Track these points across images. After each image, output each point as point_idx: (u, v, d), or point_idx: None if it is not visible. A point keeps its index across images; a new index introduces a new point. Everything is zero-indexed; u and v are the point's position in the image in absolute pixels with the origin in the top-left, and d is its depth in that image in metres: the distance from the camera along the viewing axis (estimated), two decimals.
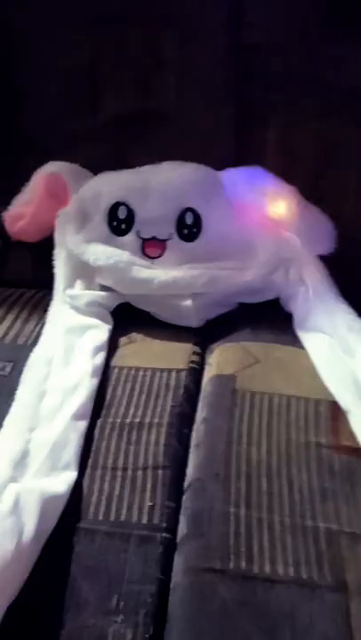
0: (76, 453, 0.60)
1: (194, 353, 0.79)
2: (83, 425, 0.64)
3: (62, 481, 0.57)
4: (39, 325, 0.82)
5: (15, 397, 0.66)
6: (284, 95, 0.84)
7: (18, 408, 0.64)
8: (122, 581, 0.51)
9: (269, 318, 0.83)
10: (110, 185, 0.81)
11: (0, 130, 0.87)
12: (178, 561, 0.53)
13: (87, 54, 0.84)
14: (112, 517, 0.56)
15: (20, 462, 0.57)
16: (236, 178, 0.81)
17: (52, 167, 0.83)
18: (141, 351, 0.78)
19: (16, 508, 0.50)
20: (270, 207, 0.81)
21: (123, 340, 0.81)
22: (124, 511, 0.56)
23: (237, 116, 0.85)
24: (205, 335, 0.83)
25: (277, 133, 0.86)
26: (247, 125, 0.86)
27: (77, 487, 0.58)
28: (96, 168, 0.85)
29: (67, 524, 0.54)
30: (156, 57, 0.84)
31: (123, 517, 0.56)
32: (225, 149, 0.85)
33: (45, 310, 0.84)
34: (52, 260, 0.85)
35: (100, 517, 0.56)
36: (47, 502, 0.53)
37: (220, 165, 0.84)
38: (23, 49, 0.85)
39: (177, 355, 0.78)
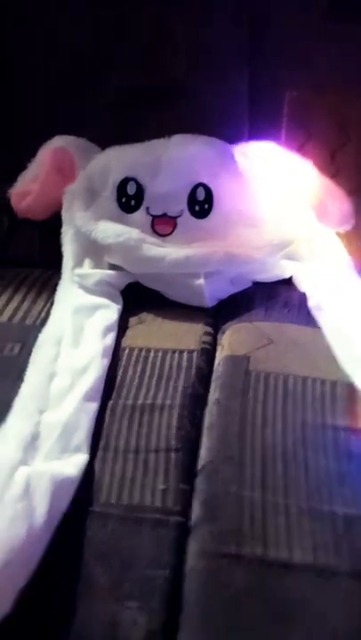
0: (87, 436, 0.59)
1: (205, 333, 0.77)
2: (93, 407, 0.62)
3: (73, 464, 0.56)
4: (48, 305, 0.80)
5: (24, 378, 0.65)
6: (298, 68, 0.81)
7: (27, 389, 0.62)
8: (135, 566, 0.50)
9: (283, 297, 0.81)
10: (119, 160, 0.78)
11: (3, 109, 0.85)
12: (192, 545, 0.52)
13: (90, 29, 0.80)
14: (125, 501, 0.55)
15: (31, 445, 0.56)
16: (248, 152, 0.78)
17: (58, 142, 0.80)
18: (152, 332, 0.77)
19: (27, 491, 0.49)
20: (284, 182, 0.78)
21: (133, 320, 0.79)
22: (136, 494, 0.55)
23: (250, 89, 0.82)
24: (217, 315, 0.81)
25: (292, 107, 0.83)
26: (260, 99, 0.83)
27: (89, 470, 0.57)
28: (104, 145, 0.82)
29: (78, 507, 0.53)
30: (164, 30, 0.81)
31: (135, 501, 0.55)
32: (238, 123, 0.83)
33: (54, 290, 0.82)
34: (60, 239, 0.83)
35: (113, 501, 0.55)
36: (58, 486, 0.52)
37: (233, 140, 0.81)
38: (24, 26, 0.82)
39: (188, 335, 0.76)
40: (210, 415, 0.65)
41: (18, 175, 0.85)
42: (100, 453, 0.59)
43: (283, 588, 0.47)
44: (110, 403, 0.65)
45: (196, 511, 0.55)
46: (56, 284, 0.82)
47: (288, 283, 0.83)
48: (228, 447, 0.59)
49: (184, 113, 0.81)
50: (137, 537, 0.52)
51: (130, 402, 0.65)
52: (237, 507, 0.53)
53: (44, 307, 0.81)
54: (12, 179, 0.86)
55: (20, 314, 0.80)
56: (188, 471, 0.59)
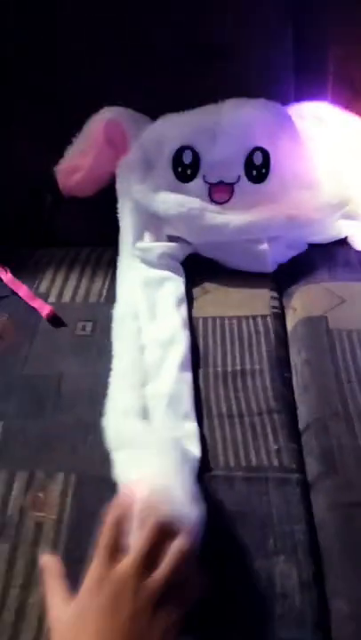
0: (191, 404, 0.59)
1: (273, 298, 0.77)
2: (189, 376, 0.63)
3: (186, 432, 0.56)
4: (107, 282, 0.80)
5: (114, 354, 0.64)
6: (343, 25, 0.80)
7: (122, 364, 0.62)
8: (272, 523, 0.50)
9: (342, 257, 0.82)
10: (174, 128, 0.76)
11: (47, 83, 0.82)
12: (318, 499, 0.53)
13: None
14: (243, 463, 0.55)
15: (144, 417, 0.56)
16: (302, 112, 0.78)
17: (108, 113, 0.78)
18: (220, 300, 0.76)
19: None
20: (339, 141, 0.78)
21: (197, 290, 0.78)
22: (252, 456, 0.56)
23: (295, 48, 0.81)
24: (278, 279, 0.81)
25: (337, 64, 0.82)
26: (306, 58, 0.82)
27: (201, 437, 0.57)
28: (150, 111, 0.80)
29: (202, 473, 0.53)
30: None
31: (253, 462, 0.55)
32: (283, 83, 0.82)
33: (109, 266, 0.81)
34: (104, 215, 0.81)
35: (232, 464, 0.55)
36: (184, 453, 0.52)
37: (279, 100, 0.80)
38: None
39: (257, 301, 0.76)
40: (302, 376, 0.65)
41: (61, 151, 0.83)
42: (206, 421, 0.60)
43: None
44: (201, 372, 0.65)
45: (313, 466, 0.56)
46: (110, 261, 0.81)
47: (343, 243, 0.84)
48: (331, 404, 0.60)
49: (228, 73, 0.80)
50: (265, 496, 0.53)
51: (220, 369, 0.66)
52: (355, 458, 0.55)
53: (103, 284, 0.80)
54: (54, 154, 0.83)
55: (81, 293, 0.79)
56: (293, 430, 0.60)
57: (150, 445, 0.50)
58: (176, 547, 0.41)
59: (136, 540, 0.41)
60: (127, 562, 0.41)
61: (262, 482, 0.54)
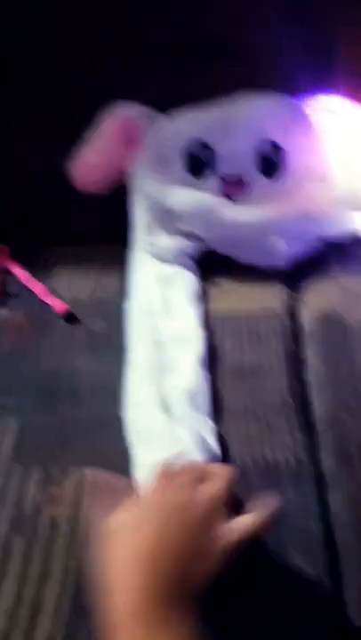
0: (208, 400, 0.59)
1: (286, 293, 0.77)
2: (205, 372, 0.63)
3: (204, 428, 0.56)
4: (120, 279, 0.80)
5: (130, 350, 0.64)
6: (343, 24, 0.79)
7: (138, 359, 0.62)
8: (288, 518, 0.50)
9: (356, 252, 0.81)
10: (187, 124, 0.76)
11: (47, 83, 0.82)
12: (334, 494, 0.53)
13: None
14: (258, 457, 0.55)
15: (162, 412, 0.56)
16: (315, 106, 0.77)
17: (122, 110, 0.78)
18: (233, 297, 0.76)
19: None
20: (352, 134, 0.78)
21: (209, 286, 0.78)
22: (268, 451, 0.56)
23: (295, 48, 0.80)
24: (292, 274, 0.81)
25: (345, 57, 0.81)
26: (306, 58, 0.81)
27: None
28: (157, 107, 0.79)
29: None
30: None
31: (269, 457, 0.55)
32: (284, 84, 0.80)
33: (122, 264, 0.81)
34: (116, 212, 0.81)
35: (247, 458, 0.55)
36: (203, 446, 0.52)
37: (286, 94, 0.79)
38: None
39: (271, 297, 0.76)
40: (317, 371, 0.65)
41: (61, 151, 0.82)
42: (220, 417, 0.60)
43: None
44: (215, 368, 0.65)
45: (328, 461, 0.56)
46: (122, 258, 0.81)
47: (356, 238, 0.83)
48: (347, 399, 0.60)
49: (228, 73, 0.79)
50: (281, 490, 0.52)
51: (234, 365, 0.66)
52: None
53: (116, 281, 0.80)
54: (54, 154, 0.83)
55: (95, 290, 0.79)
56: (309, 425, 0.60)
57: (171, 440, 0.50)
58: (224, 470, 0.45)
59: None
60: (183, 477, 0.44)
61: (277, 476, 0.54)
